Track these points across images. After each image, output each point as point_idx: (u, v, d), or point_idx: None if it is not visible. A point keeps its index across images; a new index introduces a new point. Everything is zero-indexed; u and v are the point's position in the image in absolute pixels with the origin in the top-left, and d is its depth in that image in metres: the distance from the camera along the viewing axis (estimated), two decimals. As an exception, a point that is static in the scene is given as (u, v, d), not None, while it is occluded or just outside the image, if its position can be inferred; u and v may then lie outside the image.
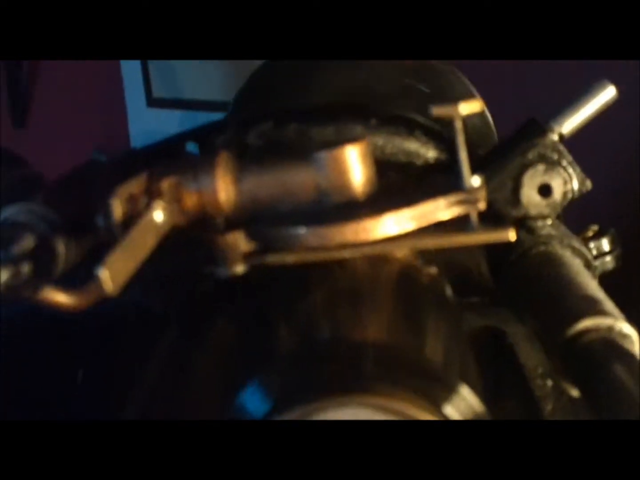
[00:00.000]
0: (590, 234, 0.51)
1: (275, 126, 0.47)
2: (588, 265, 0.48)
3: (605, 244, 0.51)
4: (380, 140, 0.47)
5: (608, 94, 0.45)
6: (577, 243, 0.48)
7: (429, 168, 0.48)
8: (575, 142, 0.47)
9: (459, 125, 0.36)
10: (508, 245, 0.41)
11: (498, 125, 0.72)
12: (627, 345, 0.38)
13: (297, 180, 0.38)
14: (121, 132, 1.37)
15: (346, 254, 0.37)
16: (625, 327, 0.39)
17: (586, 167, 0.46)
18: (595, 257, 0.50)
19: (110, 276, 0.32)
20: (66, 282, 0.37)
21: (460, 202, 0.37)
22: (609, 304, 0.41)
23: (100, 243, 0.38)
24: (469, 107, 0.36)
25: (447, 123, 0.52)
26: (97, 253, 0.39)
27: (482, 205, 0.37)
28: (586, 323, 0.39)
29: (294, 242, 0.36)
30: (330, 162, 0.37)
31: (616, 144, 0.89)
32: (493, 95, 0.69)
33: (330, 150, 0.37)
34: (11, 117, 1.33)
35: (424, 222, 0.36)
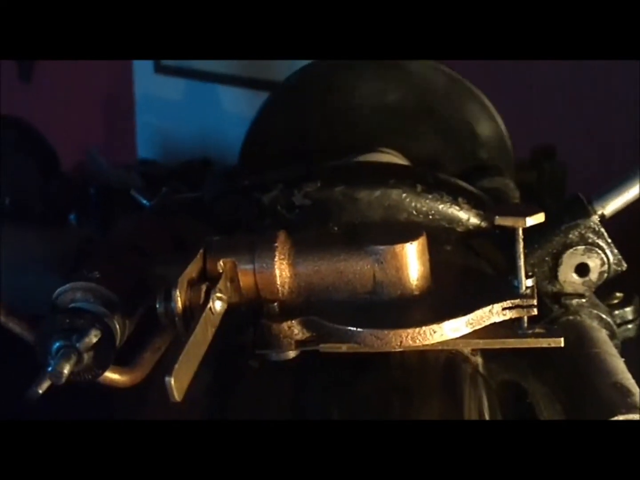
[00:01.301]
0: (615, 301, 0.52)
1: (322, 187, 0.47)
2: (612, 335, 0.50)
3: (629, 313, 0.52)
4: (425, 206, 0.47)
5: (653, 178, 0.46)
6: (604, 314, 0.49)
7: (470, 234, 0.48)
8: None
9: (520, 234, 0.37)
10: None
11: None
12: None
13: (354, 270, 0.39)
14: (127, 95, 1.35)
15: (398, 349, 0.37)
16: (655, 420, 0.40)
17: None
18: (619, 325, 0.51)
19: (176, 384, 0.32)
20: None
21: (514, 307, 0.37)
22: (637, 395, 0.42)
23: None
24: (534, 219, 0.36)
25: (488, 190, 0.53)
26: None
27: (534, 311, 0.38)
28: (619, 418, 0.40)
29: (352, 339, 0.37)
30: (389, 257, 0.38)
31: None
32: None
33: (390, 246, 0.38)
34: (18, 71, 1.30)
35: (478, 326, 0.37)
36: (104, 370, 0.36)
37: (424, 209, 0.47)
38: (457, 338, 0.37)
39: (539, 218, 0.37)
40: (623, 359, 0.46)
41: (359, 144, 0.66)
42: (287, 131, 0.68)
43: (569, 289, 0.47)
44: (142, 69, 1.32)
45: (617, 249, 0.48)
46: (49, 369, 0.34)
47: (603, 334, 0.48)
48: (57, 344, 0.35)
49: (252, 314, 0.41)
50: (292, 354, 0.38)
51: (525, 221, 0.36)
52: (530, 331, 0.38)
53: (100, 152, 1.09)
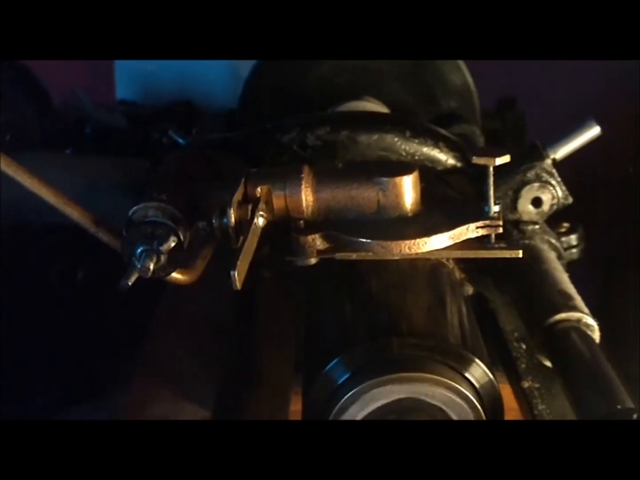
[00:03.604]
0: (562, 230, 0.64)
1: (331, 131, 0.58)
2: (560, 256, 0.62)
3: (573, 239, 0.64)
4: (412, 148, 0.59)
5: (594, 131, 0.58)
6: (553, 239, 0.61)
7: (447, 171, 0.60)
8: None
9: (490, 171, 0.48)
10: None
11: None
12: (589, 332, 0.52)
13: (363, 196, 0.50)
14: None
15: (397, 257, 0.49)
16: (589, 320, 0.53)
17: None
18: (565, 249, 0.64)
19: (238, 276, 0.43)
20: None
21: (485, 226, 0.49)
22: (578, 300, 0.54)
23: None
24: (502, 159, 0.48)
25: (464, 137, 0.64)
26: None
27: (500, 230, 0.49)
28: (562, 315, 0.52)
29: (362, 248, 0.48)
30: (391, 186, 0.49)
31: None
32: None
33: (392, 177, 0.49)
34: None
35: (458, 240, 0.49)
36: (174, 270, 0.47)
37: (411, 151, 0.59)
38: (441, 249, 0.49)
39: (505, 159, 0.48)
40: (567, 274, 0.58)
41: (346, 91, 0.77)
42: (282, 78, 0.79)
43: (525, 217, 0.59)
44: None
45: (566, 186, 0.59)
46: (138, 265, 0.45)
47: (552, 255, 0.61)
48: (142, 248, 0.45)
49: (267, 234, 0.52)
50: (313, 260, 0.50)
51: (495, 160, 0.48)
52: (496, 245, 0.50)
53: (83, 93, 1.16)
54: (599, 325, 0.52)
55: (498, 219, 0.49)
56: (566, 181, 0.60)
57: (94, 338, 0.79)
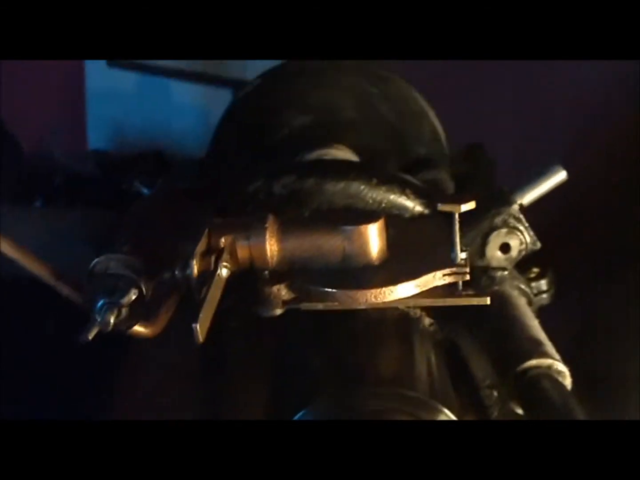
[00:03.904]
0: (532, 275, 0.64)
1: (297, 179, 0.57)
2: (530, 302, 0.61)
3: (543, 284, 0.64)
4: (379, 196, 0.58)
5: (560, 176, 0.58)
6: (523, 285, 0.61)
7: (414, 219, 0.59)
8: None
9: (456, 218, 0.48)
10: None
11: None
12: (560, 378, 0.52)
13: (328, 245, 0.49)
14: (79, 88, 1.41)
15: (363, 306, 0.48)
16: (560, 366, 0.52)
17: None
18: (535, 295, 0.63)
19: (200, 329, 0.43)
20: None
21: (452, 274, 0.49)
22: (549, 346, 0.54)
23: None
24: (467, 206, 0.48)
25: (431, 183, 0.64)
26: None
27: (467, 277, 0.49)
28: (532, 362, 0.52)
29: (328, 298, 0.47)
30: (356, 235, 0.49)
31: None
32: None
33: (357, 226, 0.49)
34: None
35: (425, 288, 0.48)
36: (136, 322, 0.46)
37: (378, 198, 0.58)
38: (408, 297, 0.48)
39: (470, 205, 0.48)
40: (537, 320, 0.58)
41: (316, 141, 0.77)
42: (253, 127, 0.79)
43: (494, 263, 0.59)
44: (93, 62, 1.37)
45: (534, 231, 0.59)
46: (98, 319, 0.44)
47: (522, 301, 0.60)
48: (102, 301, 0.45)
49: (233, 284, 0.51)
50: (279, 311, 0.49)
51: (460, 207, 0.48)
52: (464, 292, 0.49)
53: (57, 138, 1.15)
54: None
55: (465, 265, 0.49)
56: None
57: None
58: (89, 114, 1.43)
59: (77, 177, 1.04)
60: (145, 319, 0.48)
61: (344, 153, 0.77)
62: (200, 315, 0.43)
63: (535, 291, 0.63)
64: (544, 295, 0.64)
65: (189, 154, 1.05)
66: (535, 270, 0.64)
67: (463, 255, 0.49)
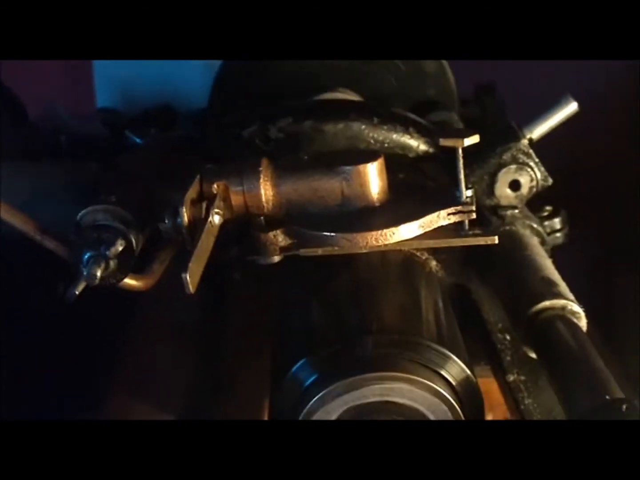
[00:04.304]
0: (545, 214, 0.61)
1: (294, 122, 0.55)
2: (543, 242, 0.59)
3: (557, 223, 0.61)
4: (381, 135, 0.56)
5: (571, 107, 0.55)
6: (535, 224, 0.58)
7: (419, 159, 0.57)
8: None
9: (459, 153, 0.45)
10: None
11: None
12: (575, 319, 0.49)
13: (325, 187, 0.47)
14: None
15: (364, 250, 0.46)
16: (575, 307, 0.50)
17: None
18: (548, 234, 0.61)
19: (190, 279, 0.40)
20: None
21: (457, 213, 0.46)
22: (562, 286, 0.51)
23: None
24: (471, 140, 0.45)
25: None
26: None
27: (473, 215, 0.46)
28: (546, 303, 0.49)
29: (326, 242, 0.45)
30: (355, 175, 0.46)
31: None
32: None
33: (355, 165, 0.46)
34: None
35: (429, 228, 0.46)
36: (125, 275, 0.44)
37: (380, 138, 0.56)
38: (411, 239, 0.46)
39: (474, 139, 0.45)
40: (551, 260, 0.55)
41: (319, 85, 0.74)
42: (252, 75, 0.76)
43: (504, 202, 0.56)
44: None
45: (545, 167, 0.56)
46: (85, 273, 0.42)
47: (534, 240, 0.57)
48: (88, 254, 0.43)
49: (235, 235, 0.49)
50: (276, 258, 0.47)
51: (463, 141, 0.45)
52: (470, 232, 0.47)
53: (57, 104, 1.14)
54: (589, 312, 0.49)
55: (470, 204, 0.46)
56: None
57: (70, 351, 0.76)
58: (96, 72, 1.41)
59: (83, 137, 1.02)
60: (137, 272, 0.46)
61: (348, 96, 0.74)
62: (190, 264, 0.40)
63: (548, 230, 0.61)
64: (558, 234, 0.61)
65: (198, 105, 1.03)
66: (548, 208, 0.62)
67: (469, 193, 0.47)
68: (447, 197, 0.47)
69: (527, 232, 0.57)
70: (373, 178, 0.46)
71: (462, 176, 0.46)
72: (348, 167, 0.46)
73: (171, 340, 0.62)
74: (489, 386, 0.54)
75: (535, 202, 0.60)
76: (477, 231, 0.47)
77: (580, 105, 0.55)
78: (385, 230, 0.44)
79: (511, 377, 0.52)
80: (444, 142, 0.45)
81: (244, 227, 0.48)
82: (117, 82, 1.40)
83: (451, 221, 0.46)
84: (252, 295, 0.55)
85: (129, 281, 0.45)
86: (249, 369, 0.54)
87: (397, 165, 0.54)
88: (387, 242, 0.45)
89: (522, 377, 0.52)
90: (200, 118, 0.82)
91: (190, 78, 1.33)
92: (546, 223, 0.61)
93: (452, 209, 0.46)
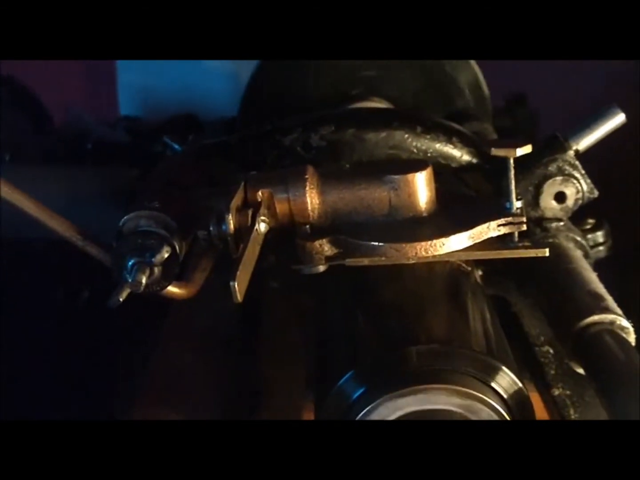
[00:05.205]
0: (587, 226, 0.60)
1: (336, 130, 0.54)
2: (586, 255, 0.58)
3: (600, 236, 0.60)
4: (424, 145, 0.55)
5: (619, 119, 0.54)
6: (578, 236, 0.57)
7: (462, 168, 0.56)
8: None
9: (511, 163, 0.44)
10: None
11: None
12: (624, 335, 0.48)
13: (373, 196, 0.46)
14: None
15: (412, 260, 0.45)
16: (623, 322, 0.48)
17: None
18: (592, 247, 0.59)
19: (238, 287, 0.39)
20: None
21: (507, 224, 0.45)
22: (610, 301, 0.50)
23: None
24: (523, 150, 0.44)
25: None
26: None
27: (524, 227, 0.45)
28: (594, 318, 0.48)
29: (374, 253, 0.44)
30: (403, 184, 0.45)
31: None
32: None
33: (404, 175, 0.45)
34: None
35: (478, 240, 0.45)
36: (169, 283, 0.43)
37: (423, 147, 0.55)
38: (460, 250, 0.44)
39: (527, 149, 0.44)
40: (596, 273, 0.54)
41: (351, 95, 0.73)
42: (286, 83, 0.75)
43: (549, 214, 0.55)
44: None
45: (591, 179, 0.55)
46: (129, 279, 0.41)
47: (578, 253, 0.56)
48: (132, 261, 0.42)
49: (272, 243, 0.48)
50: (322, 268, 0.46)
51: (515, 151, 0.44)
52: (520, 244, 0.46)
53: (82, 110, 1.13)
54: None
55: (521, 215, 0.45)
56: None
57: (97, 358, 0.75)
58: (120, 80, 1.40)
59: (107, 143, 1.02)
60: (180, 279, 0.45)
61: (382, 105, 0.73)
62: (238, 273, 0.39)
63: (591, 243, 0.59)
64: (601, 248, 0.60)
65: (221, 115, 1.02)
66: (591, 221, 0.60)
67: (519, 204, 0.46)
68: (497, 208, 0.46)
69: (570, 245, 0.56)
70: (421, 187, 0.45)
71: (513, 187, 0.45)
72: (396, 176, 0.45)
73: (203, 348, 0.61)
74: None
75: (577, 214, 0.59)
76: (526, 243, 0.46)
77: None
78: (435, 241, 0.43)
79: (556, 392, 0.51)
80: (496, 151, 0.44)
81: (281, 235, 0.47)
82: (140, 91, 1.40)
83: (501, 232, 0.45)
84: (291, 305, 0.54)
85: (173, 289, 0.44)
86: (285, 377, 0.52)
87: (441, 175, 0.53)
88: (436, 253, 0.44)
89: (568, 392, 0.51)
90: (229, 126, 0.82)
91: (212, 87, 1.33)
92: (589, 236, 0.60)
93: (502, 220, 0.45)
